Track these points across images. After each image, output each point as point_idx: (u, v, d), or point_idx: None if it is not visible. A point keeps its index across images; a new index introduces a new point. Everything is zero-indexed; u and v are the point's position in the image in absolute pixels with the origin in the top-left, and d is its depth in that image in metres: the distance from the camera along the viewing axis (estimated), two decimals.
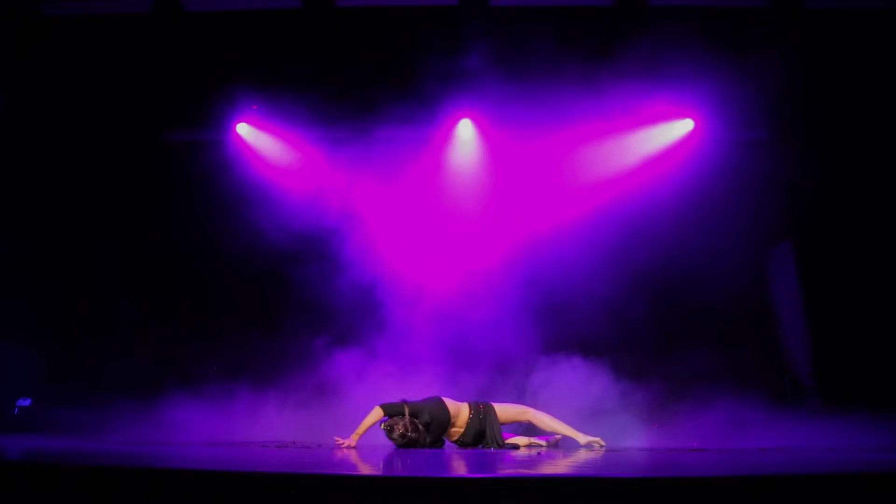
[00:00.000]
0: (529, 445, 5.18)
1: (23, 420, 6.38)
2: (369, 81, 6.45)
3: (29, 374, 6.44)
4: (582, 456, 3.78)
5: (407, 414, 4.81)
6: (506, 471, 2.58)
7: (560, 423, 5.21)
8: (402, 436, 4.76)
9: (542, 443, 5.28)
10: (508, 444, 5.12)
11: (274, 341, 6.34)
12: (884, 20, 6.29)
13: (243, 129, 7.37)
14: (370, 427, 4.84)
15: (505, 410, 5.23)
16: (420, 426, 4.80)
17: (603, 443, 5.10)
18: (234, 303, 6.79)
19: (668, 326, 6.35)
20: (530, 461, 3.22)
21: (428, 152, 7.20)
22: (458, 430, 5.10)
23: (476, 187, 7.16)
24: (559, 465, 2.97)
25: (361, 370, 6.19)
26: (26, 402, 6.54)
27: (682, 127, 7.11)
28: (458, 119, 7.23)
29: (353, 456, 3.60)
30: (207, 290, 6.94)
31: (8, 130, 6.83)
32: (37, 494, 2.14)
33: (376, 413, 4.83)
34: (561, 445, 5.27)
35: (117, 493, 2.11)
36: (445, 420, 5.00)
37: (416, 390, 5.95)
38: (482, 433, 5.08)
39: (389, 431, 4.85)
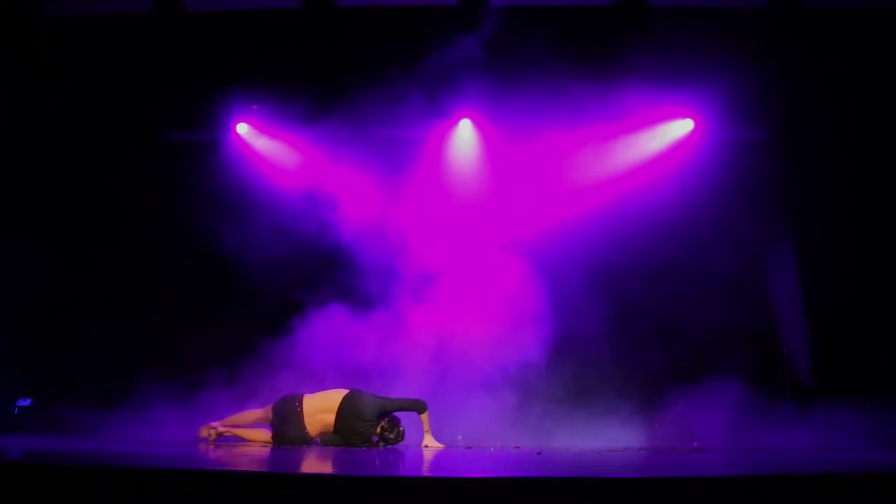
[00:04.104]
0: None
1: (23, 420, 6.39)
2: (369, 81, 6.44)
3: (26, 373, 6.46)
4: (581, 456, 3.78)
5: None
6: (506, 471, 2.58)
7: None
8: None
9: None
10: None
11: (274, 341, 6.33)
12: (884, 20, 6.29)
13: (243, 128, 7.37)
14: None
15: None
16: None
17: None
18: (233, 303, 6.77)
19: (667, 326, 6.34)
20: (530, 461, 3.22)
21: (428, 152, 7.20)
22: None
23: (475, 187, 7.15)
24: (559, 466, 2.97)
25: (359, 370, 6.19)
26: (26, 402, 6.54)
27: (682, 127, 7.10)
28: (458, 119, 7.23)
29: (350, 457, 3.60)
30: (207, 289, 6.93)
31: (10, 130, 6.84)
32: (37, 494, 2.14)
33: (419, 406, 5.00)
34: None
35: (117, 493, 2.10)
36: None
37: (416, 389, 5.97)
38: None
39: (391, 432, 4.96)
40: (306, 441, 5.02)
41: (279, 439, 5.04)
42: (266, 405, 5.26)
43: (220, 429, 5.12)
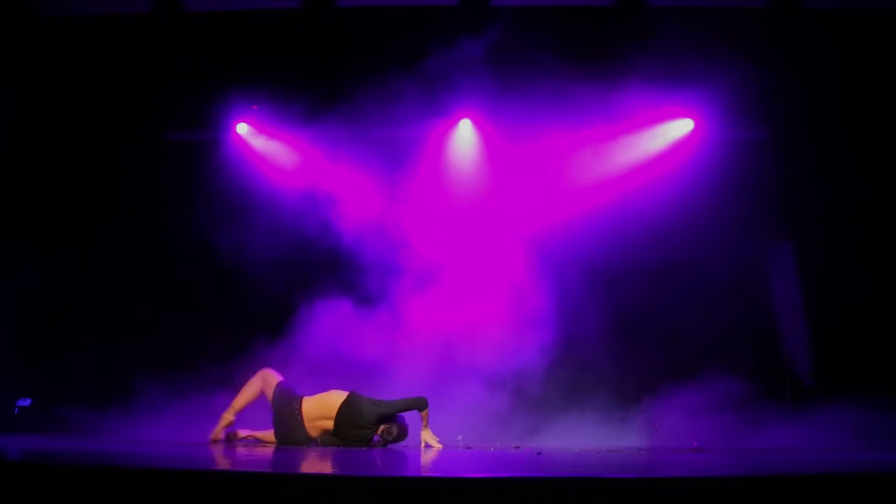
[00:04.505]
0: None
1: (23, 420, 6.39)
2: (369, 81, 6.44)
3: (26, 373, 6.46)
4: (581, 456, 3.78)
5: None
6: (506, 471, 2.58)
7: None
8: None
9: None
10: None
11: (274, 340, 6.33)
12: (884, 20, 6.29)
13: (243, 128, 7.38)
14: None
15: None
16: None
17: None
18: (234, 302, 6.77)
19: (667, 326, 6.34)
20: (530, 461, 3.22)
21: (428, 152, 7.20)
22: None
23: (475, 188, 7.15)
24: (559, 466, 2.97)
25: (359, 368, 6.19)
26: (26, 402, 6.54)
27: (681, 127, 7.10)
28: (458, 119, 7.23)
29: (350, 457, 3.60)
30: (207, 289, 6.92)
31: (9, 130, 6.84)
32: (37, 494, 2.14)
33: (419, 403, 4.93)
34: None
35: (117, 493, 2.10)
36: None
37: (415, 388, 5.97)
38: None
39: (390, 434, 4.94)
40: (308, 442, 5.02)
41: (282, 440, 5.04)
42: (261, 373, 5.25)
43: (243, 433, 5.15)
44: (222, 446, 4.59)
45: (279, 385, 5.13)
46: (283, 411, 5.02)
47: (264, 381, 5.17)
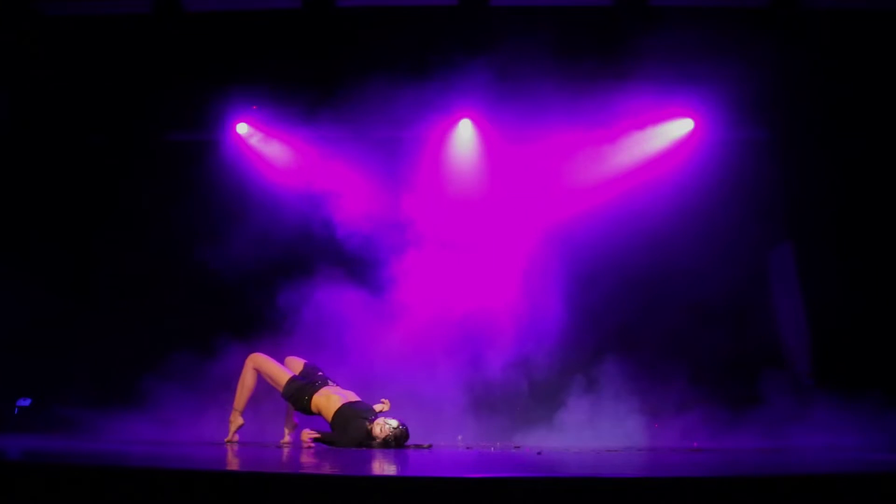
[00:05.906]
0: None
1: (23, 420, 6.40)
2: (369, 81, 6.45)
3: (26, 373, 6.47)
4: (581, 456, 3.78)
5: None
6: (506, 471, 2.58)
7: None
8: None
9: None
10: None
11: (275, 338, 6.33)
12: (884, 20, 6.30)
13: (243, 129, 7.38)
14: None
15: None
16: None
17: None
18: (235, 301, 6.77)
19: (667, 327, 6.34)
20: (530, 461, 3.22)
21: (428, 152, 7.20)
22: None
23: (475, 188, 7.15)
24: (559, 466, 2.97)
25: (357, 366, 6.20)
26: (26, 402, 6.55)
27: (681, 127, 7.10)
28: (458, 119, 7.23)
29: (352, 457, 3.60)
30: (208, 288, 6.92)
31: (8, 130, 6.84)
32: (37, 494, 2.14)
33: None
34: None
35: (117, 493, 2.11)
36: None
37: (414, 387, 5.98)
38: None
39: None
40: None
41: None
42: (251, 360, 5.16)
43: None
44: (235, 447, 4.56)
45: (289, 381, 5.04)
46: (294, 397, 4.98)
47: (261, 368, 5.07)
